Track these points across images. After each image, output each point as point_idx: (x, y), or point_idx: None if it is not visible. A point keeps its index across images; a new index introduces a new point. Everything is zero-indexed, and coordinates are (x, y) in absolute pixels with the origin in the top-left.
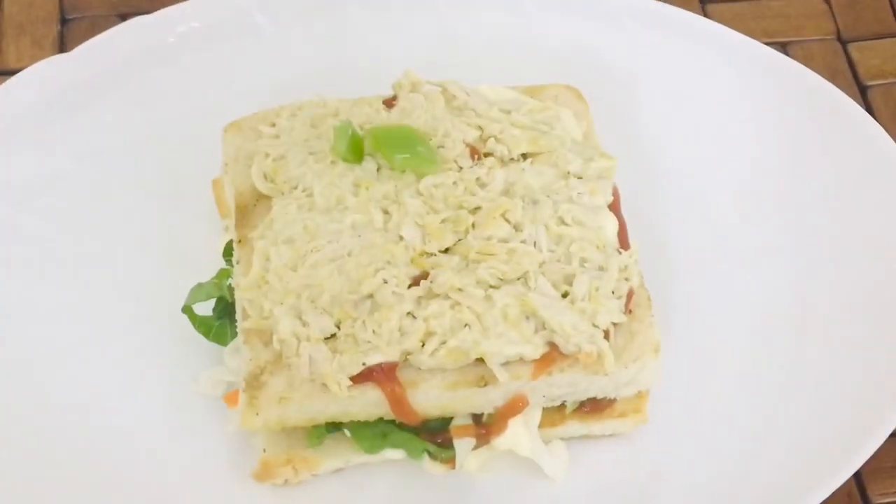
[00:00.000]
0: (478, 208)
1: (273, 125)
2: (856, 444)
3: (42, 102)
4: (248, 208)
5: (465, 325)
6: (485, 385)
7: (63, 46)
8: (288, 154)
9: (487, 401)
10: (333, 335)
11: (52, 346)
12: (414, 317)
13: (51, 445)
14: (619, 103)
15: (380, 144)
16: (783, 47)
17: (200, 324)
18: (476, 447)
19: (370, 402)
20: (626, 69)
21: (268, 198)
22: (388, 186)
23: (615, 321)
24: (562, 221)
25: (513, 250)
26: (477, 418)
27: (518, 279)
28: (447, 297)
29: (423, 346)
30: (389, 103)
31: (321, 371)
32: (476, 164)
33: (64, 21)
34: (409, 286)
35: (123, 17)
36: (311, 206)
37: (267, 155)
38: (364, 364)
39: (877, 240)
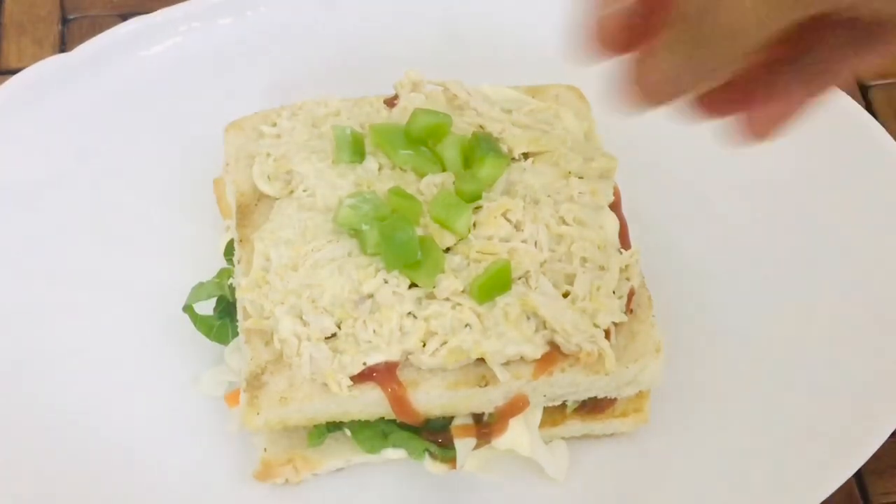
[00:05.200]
0: (479, 208)
1: (274, 125)
2: (856, 444)
3: (42, 102)
4: (250, 208)
5: (466, 325)
6: (485, 385)
7: (63, 46)
8: (289, 154)
9: (488, 400)
10: (334, 335)
11: (52, 346)
12: (414, 317)
13: (51, 445)
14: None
15: (382, 141)
16: None
17: (201, 323)
18: (477, 447)
19: (371, 402)
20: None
21: (269, 198)
22: (389, 186)
23: (616, 321)
24: (563, 221)
25: (514, 250)
26: (478, 418)
27: (519, 279)
28: (448, 297)
29: (423, 345)
30: (391, 103)
31: (322, 371)
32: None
33: (64, 21)
34: (410, 286)
35: (124, 17)
36: (312, 205)
37: (268, 155)
38: (365, 364)
39: (877, 240)
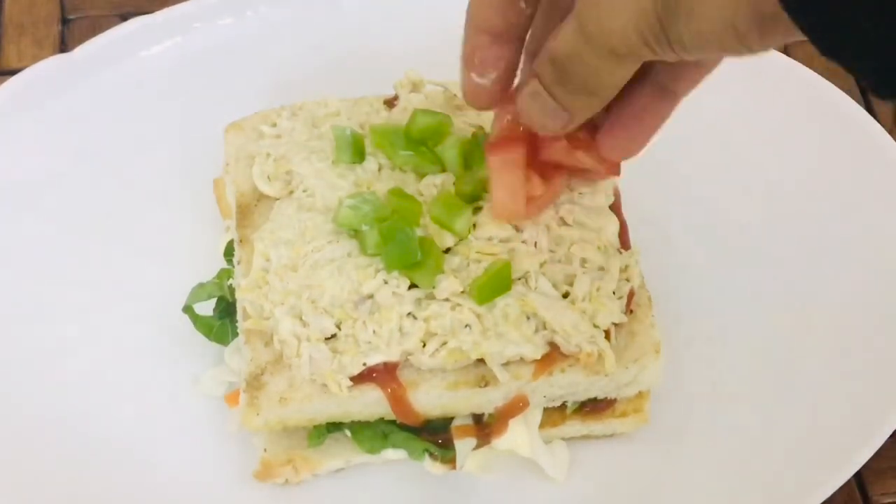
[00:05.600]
0: (479, 208)
1: (274, 125)
2: (856, 444)
3: (42, 102)
4: (250, 208)
5: (466, 326)
6: (485, 385)
7: (63, 46)
8: (289, 154)
9: (488, 401)
10: (334, 335)
11: (51, 346)
12: (414, 317)
13: (51, 445)
14: None
15: (382, 142)
16: (783, 47)
17: (201, 323)
18: (477, 447)
19: (370, 402)
20: None
21: (269, 198)
22: (388, 186)
23: (616, 321)
24: (563, 222)
25: (513, 251)
26: (477, 418)
27: (519, 279)
28: (447, 298)
29: (423, 346)
30: (390, 103)
31: (322, 371)
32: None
33: (64, 21)
34: (410, 287)
35: (124, 17)
36: (312, 206)
37: (268, 155)
38: (364, 364)
39: (877, 240)
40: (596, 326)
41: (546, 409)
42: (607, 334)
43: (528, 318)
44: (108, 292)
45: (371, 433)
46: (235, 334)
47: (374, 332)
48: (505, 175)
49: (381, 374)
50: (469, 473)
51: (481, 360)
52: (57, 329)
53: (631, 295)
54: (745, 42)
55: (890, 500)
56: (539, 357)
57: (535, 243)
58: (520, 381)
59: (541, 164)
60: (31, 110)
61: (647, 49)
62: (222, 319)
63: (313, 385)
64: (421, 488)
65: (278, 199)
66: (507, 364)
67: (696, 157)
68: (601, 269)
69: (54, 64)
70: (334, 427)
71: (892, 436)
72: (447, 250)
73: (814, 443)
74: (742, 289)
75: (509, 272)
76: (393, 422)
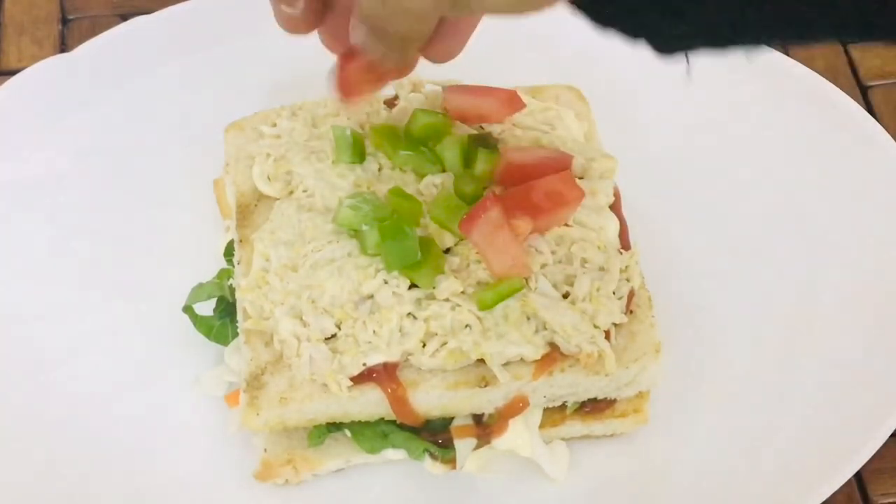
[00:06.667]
0: None
1: (274, 125)
2: (856, 445)
3: (42, 102)
4: (250, 208)
5: (466, 326)
6: (485, 385)
7: (63, 46)
8: (289, 154)
9: (488, 401)
10: (334, 335)
11: (52, 346)
12: (414, 317)
13: (51, 445)
14: (620, 103)
15: (382, 142)
16: (784, 47)
17: (201, 324)
18: (477, 447)
19: (371, 403)
20: (627, 69)
21: (269, 198)
22: (388, 186)
23: (616, 322)
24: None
25: None
26: (478, 418)
27: None
28: (448, 298)
29: (423, 346)
30: (390, 103)
31: (322, 371)
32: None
33: (64, 21)
34: (410, 287)
35: (124, 17)
36: (312, 206)
37: (268, 155)
38: (364, 364)
39: (877, 240)
40: (596, 327)
41: (546, 409)
42: (607, 334)
43: (529, 318)
44: (108, 292)
45: (371, 433)
46: (235, 334)
47: (374, 332)
48: (489, 242)
49: (381, 375)
50: (469, 473)
51: (481, 361)
52: (57, 329)
53: (631, 295)
54: (524, 5)
55: (890, 500)
56: (539, 357)
57: (535, 248)
58: (520, 382)
59: (515, 203)
60: (31, 110)
61: (440, 10)
62: (222, 319)
63: (313, 385)
64: (421, 488)
65: (278, 199)
66: (507, 364)
67: (697, 157)
68: (601, 269)
69: (54, 64)
70: (334, 427)
71: (892, 436)
72: (447, 250)
73: (814, 443)
74: (742, 289)
75: (522, 290)
76: (393, 422)
